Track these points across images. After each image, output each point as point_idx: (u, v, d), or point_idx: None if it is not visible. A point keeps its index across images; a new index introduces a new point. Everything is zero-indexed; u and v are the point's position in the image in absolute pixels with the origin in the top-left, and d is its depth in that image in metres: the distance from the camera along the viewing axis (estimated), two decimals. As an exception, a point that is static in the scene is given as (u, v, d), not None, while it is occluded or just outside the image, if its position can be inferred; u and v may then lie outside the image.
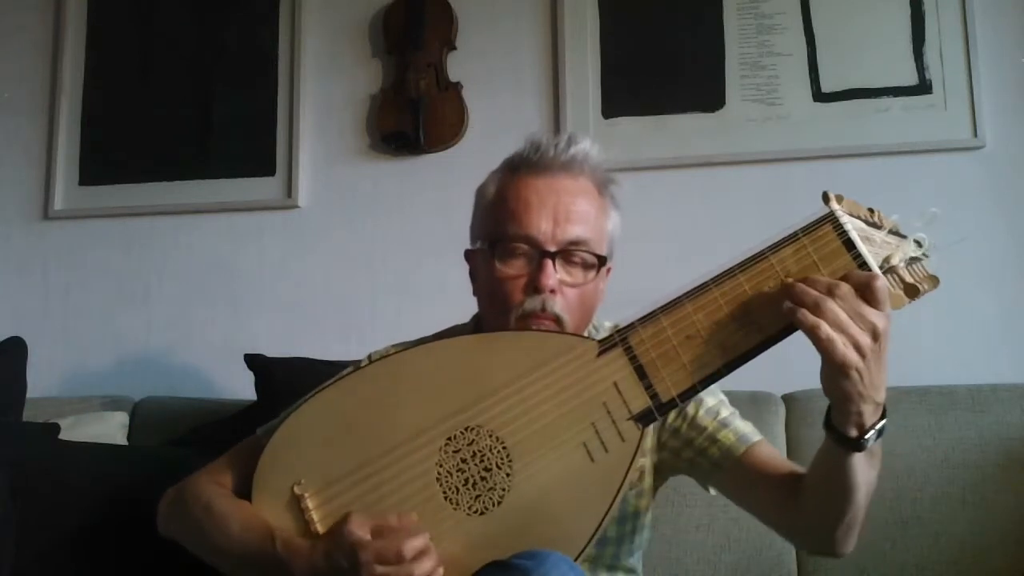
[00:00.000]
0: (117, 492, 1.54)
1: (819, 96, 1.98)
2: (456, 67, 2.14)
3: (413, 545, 0.91)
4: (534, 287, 1.06)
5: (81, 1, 2.31)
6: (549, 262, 1.06)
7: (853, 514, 0.98)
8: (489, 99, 2.11)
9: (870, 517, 1.53)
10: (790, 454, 1.65)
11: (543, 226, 1.07)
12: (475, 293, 1.18)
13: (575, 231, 1.08)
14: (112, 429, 1.85)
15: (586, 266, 1.09)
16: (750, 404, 1.65)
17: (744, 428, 1.15)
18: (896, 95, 1.94)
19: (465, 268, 1.21)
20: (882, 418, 0.91)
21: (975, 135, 1.90)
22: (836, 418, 0.91)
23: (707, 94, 2.03)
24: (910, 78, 1.95)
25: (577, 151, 1.11)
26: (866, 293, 0.86)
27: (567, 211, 1.08)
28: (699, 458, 1.14)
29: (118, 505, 1.52)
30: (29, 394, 1.84)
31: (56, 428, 1.65)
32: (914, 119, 1.93)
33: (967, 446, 1.59)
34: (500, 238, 1.09)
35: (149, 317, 2.18)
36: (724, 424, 1.14)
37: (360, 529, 0.93)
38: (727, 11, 2.04)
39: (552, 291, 1.06)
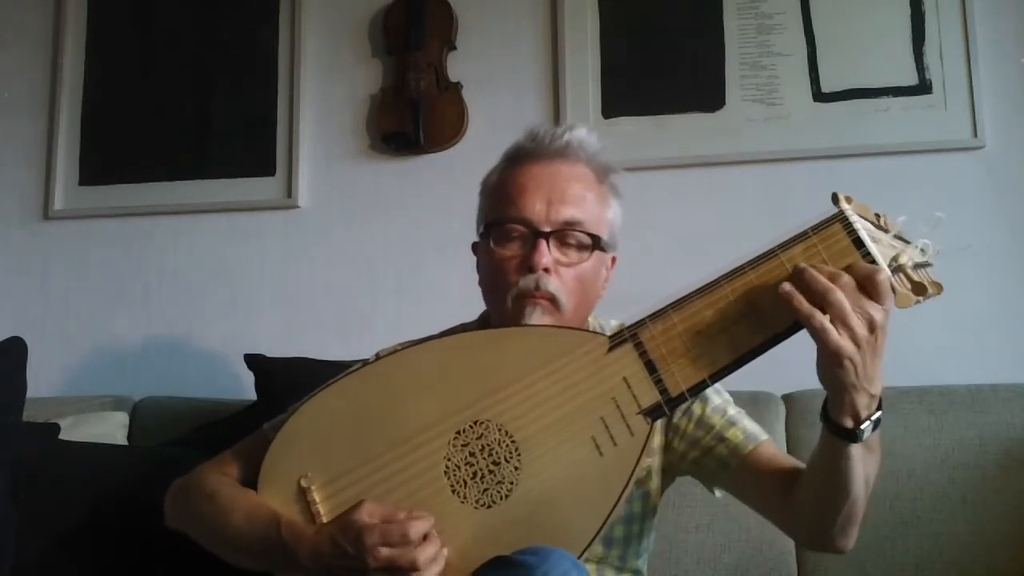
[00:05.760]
0: (117, 492, 1.54)
1: (819, 96, 1.98)
2: (456, 67, 2.14)
3: (418, 528, 0.92)
4: (528, 267, 1.07)
5: (81, 1, 2.31)
6: (543, 242, 1.07)
7: (850, 508, 0.98)
8: (489, 99, 2.11)
9: (870, 517, 1.55)
10: (790, 454, 1.64)
11: (537, 207, 1.09)
12: (479, 284, 1.19)
13: (569, 212, 1.09)
14: (112, 429, 1.85)
15: (581, 246, 1.10)
16: (750, 404, 1.64)
17: (752, 427, 1.15)
18: (896, 95, 1.94)
19: (467, 266, 1.21)
20: (878, 410, 0.91)
21: (975, 135, 1.90)
22: (832, 409, 0.92)
23: (707, 94, 2.02)
24: (910, 78, 1.95)
25: (571, 138, 1.13)
26: (867, 285, 0.87)
27: (562, 193, 1.10)
28: (705, 458, 1.14)
29: (118, 505, 1.52)
30: (29, 394, 1.84)
31: (56, 428, 1.65)
32: (914, 119, 1.93)
33: (967, 446, 1.59)
34: (496, 221, 1.12)
35: (149, 317, 2.18)
36: (732, 422, 1.14)
37: (369, 516, 0.94)
38: (727, 11, 2.04)
39: (547, 270, 1.07)
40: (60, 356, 2.17)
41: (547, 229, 1.08)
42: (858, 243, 0.91)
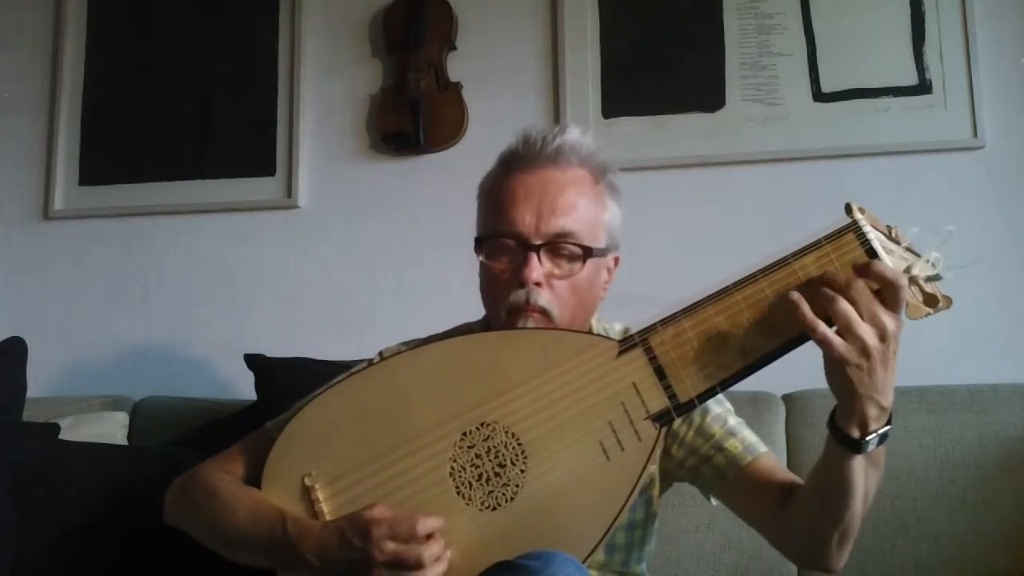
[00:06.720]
0: (117, 492, 1.54)
1: (819, 96, 1.98)
2: (456, 67, 2.14)
3: (426, 524, 0.92)
4: (519, 281, 1.06)
5: (81, 1, 2.31)
6: (533, 255, 1.06)
7: (848, 523, 0.97)
8: (489, 99, 2.11)
9: (870, 517, 1.55)
10: (790, 454, 1.65)
11: (527, 220, 1.07)
12: (480, 289, 1.18)
13: (560, 223, 1.07)
14: (112, 429, 1.85)
15: (573, 257, 1.08)
16: (750, 404, 1.65)
17: (751, 439, 1.14)
18: (896, 95, 1.94)
19: (467, 266, 1.21)
20: (887, 424, 0.91)
21: (975, 135, 1.90)
22: (840, 417, 0.92)
23: (707, 94, 2.02)
24: (910, 78, 1.95)
25: (563, 142, 1.10)
26: (887, 292, 0.87)
27: (552, 204, 1.07)
28: (703, 466, 1.13)
29: (118, 505, 1.52)
30: (29, 394, 1.84)
31: (56, 428, 1.65)
32: (914, 119, 1.93)
33: (967, 446, 1.59)
34: (488, 234, 1.11)
35: (149, 317, 2.18)
36: (732, 433, 1.13)
37: (379, 513, 0.94)
38: (727, 11, 2.04)
39: (537, 284, 1.06)
40: (60, 356, 2.17)
41: (537, 242, 1.06)
42: (871, 253, 0.91)
